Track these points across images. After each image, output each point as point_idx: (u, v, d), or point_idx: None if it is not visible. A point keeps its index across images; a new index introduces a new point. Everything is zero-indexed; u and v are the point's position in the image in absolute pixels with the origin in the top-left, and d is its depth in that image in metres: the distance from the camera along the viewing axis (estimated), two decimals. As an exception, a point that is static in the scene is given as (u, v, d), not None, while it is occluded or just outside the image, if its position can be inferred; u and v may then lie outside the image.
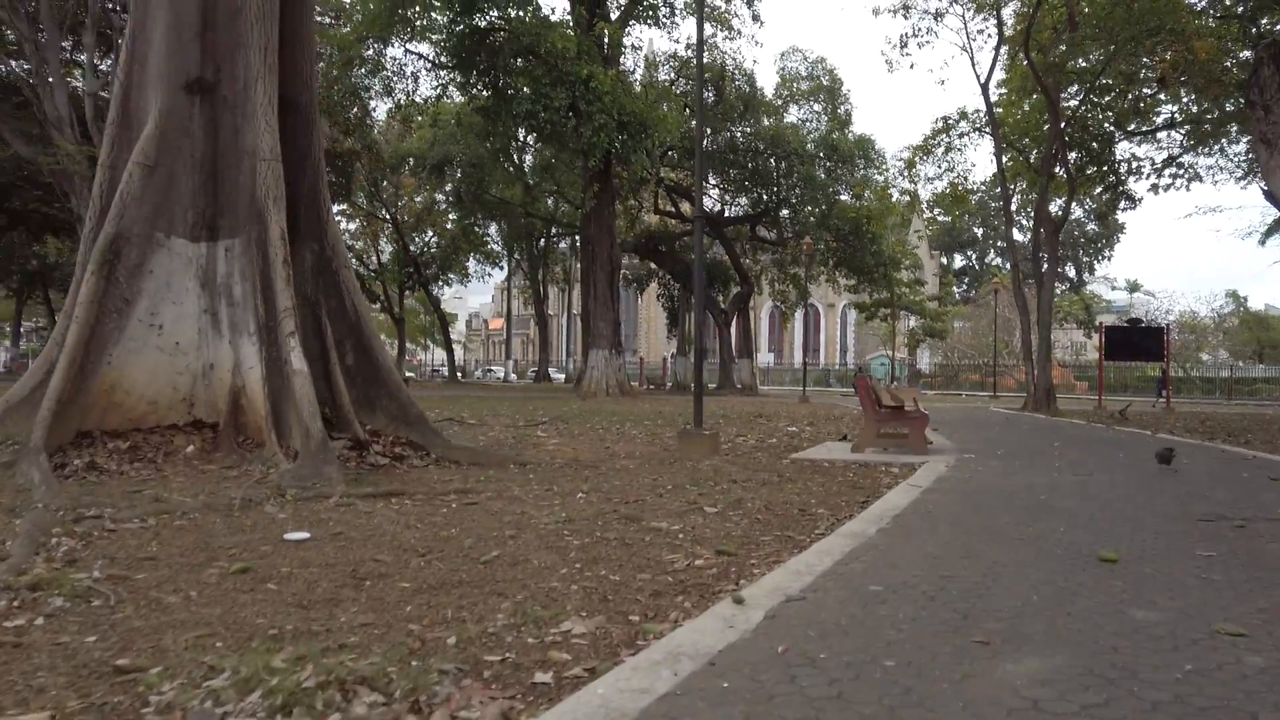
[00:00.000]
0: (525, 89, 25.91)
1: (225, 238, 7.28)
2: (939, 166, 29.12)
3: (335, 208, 54.44)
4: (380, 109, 36.87)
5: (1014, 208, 30.40)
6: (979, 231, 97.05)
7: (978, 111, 27.74)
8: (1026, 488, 7.19)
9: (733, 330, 39.53)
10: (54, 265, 38.56)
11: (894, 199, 32.61)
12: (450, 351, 52.84)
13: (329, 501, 5.55)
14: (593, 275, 29.90)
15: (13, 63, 24.26)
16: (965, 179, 29.32)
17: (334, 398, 7.27)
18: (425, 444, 7.60)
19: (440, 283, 53.53)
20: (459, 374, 69.59)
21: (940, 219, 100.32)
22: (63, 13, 21.96)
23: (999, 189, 29.15)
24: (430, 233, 55.00)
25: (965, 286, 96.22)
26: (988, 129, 27.34)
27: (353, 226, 61.09)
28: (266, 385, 6.75)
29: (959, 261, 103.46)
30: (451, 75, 29.39)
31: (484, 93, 28.13)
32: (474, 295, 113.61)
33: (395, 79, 32.58)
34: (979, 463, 9.25)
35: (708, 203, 44.21)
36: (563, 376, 56.54)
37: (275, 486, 5.81)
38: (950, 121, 27.94)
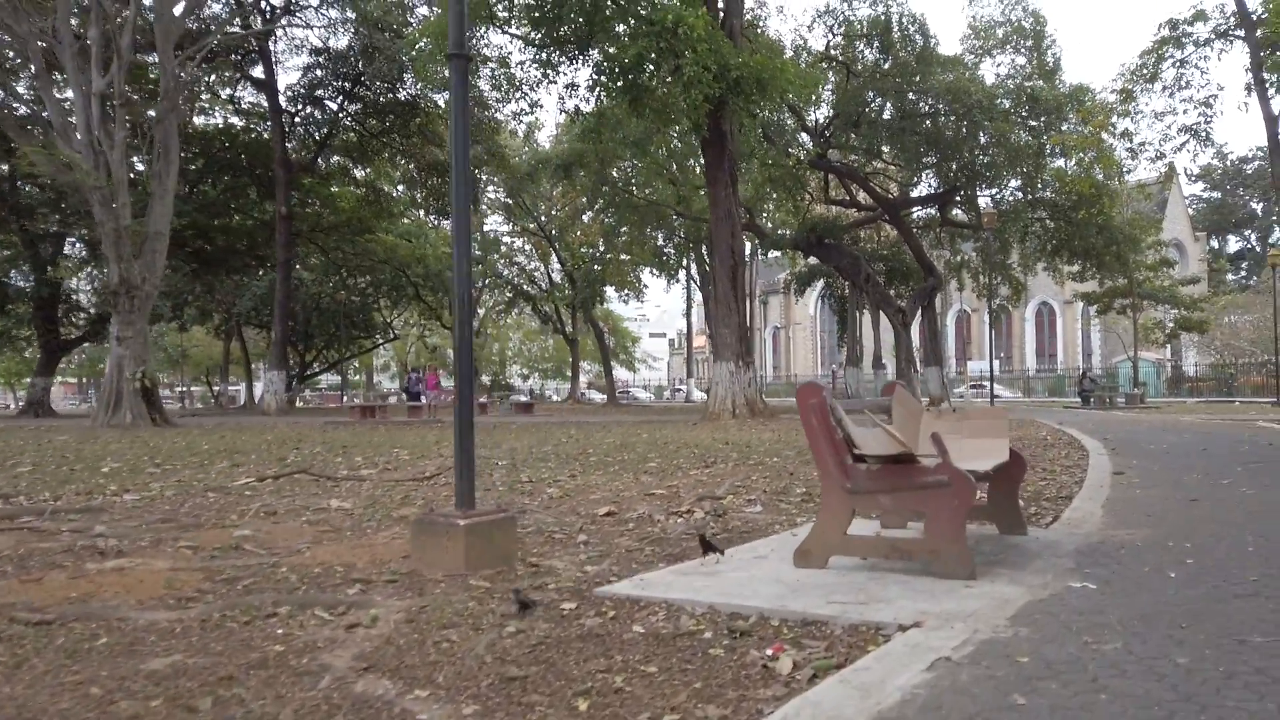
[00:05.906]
0: (610, 48, 21.36)
1: None
2: (1169, 96, 21.44)
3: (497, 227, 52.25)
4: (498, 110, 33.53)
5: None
6: (1258, 207, 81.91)
7: (1220, 9, 19.96)
8: None
9: (915, 333, 32.61)
10: None
11: (1109, 148, 24.69)
12: (609, 371, 49.11)
13: None
14: (712, 273, 24.73)
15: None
16: (1209, 107, 21.25)
17: None
18: None
19: (605, 298, 49.90)
20: (660, 394, 65.99)
21: (1203, 194, 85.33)
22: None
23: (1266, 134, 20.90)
24: (601, 245, 51.90)
25: (1244, 273, 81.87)
26: (1237, 33, 19.54)
27: (527, 246, 59.52)
28: None
29: (1234, 244, 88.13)
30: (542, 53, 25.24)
31: (569, 65, 23.78)
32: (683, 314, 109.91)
33: (501, 68, 28.98)
34: (1074, 623, 3.29)
35: (893, 188, 37.57)
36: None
37: None
38: (1180, 28, 20.22)
